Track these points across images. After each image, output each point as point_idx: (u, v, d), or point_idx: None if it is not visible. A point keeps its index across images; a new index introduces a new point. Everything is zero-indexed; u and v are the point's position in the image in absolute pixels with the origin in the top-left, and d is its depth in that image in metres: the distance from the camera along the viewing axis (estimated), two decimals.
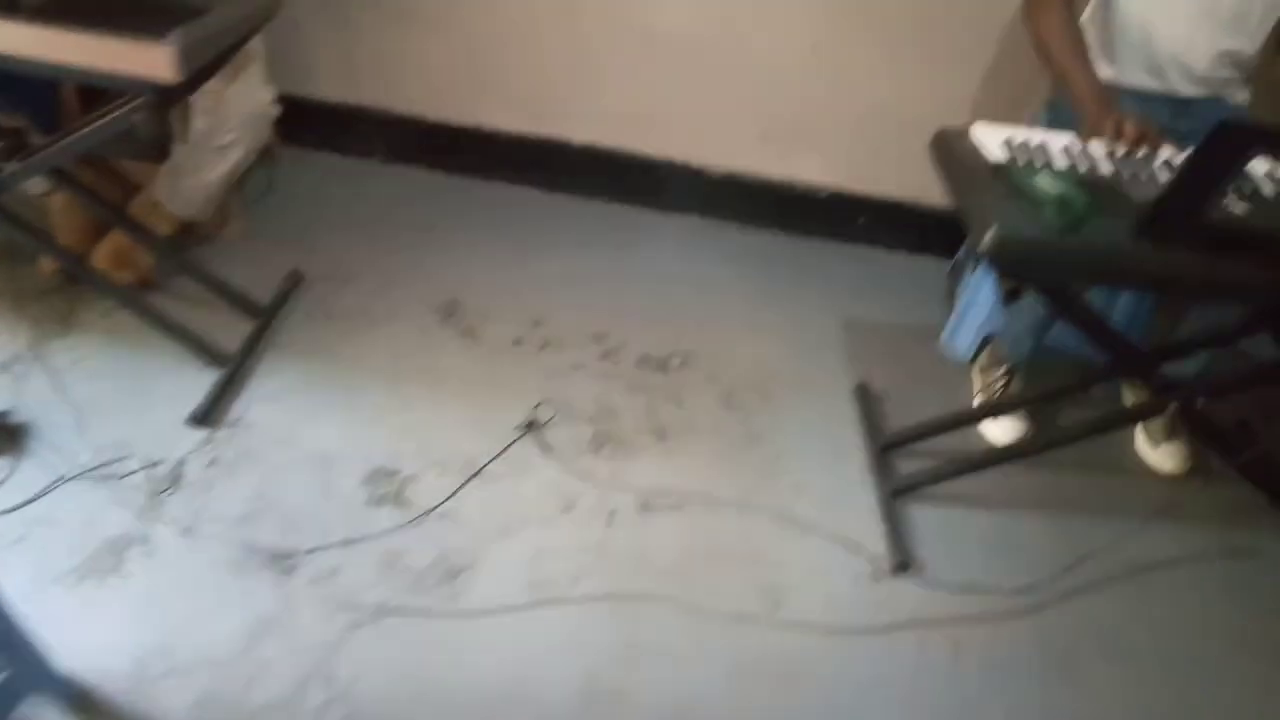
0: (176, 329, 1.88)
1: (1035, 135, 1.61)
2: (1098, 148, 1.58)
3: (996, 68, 2.21)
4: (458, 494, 1.76)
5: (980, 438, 2.07)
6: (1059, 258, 1.38)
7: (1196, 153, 1.23)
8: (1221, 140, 1.20)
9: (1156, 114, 1.86)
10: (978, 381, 2.17)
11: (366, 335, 2.09)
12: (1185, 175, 1.25)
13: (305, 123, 2.52)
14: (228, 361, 1.91)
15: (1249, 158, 1.20)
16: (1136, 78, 1.87)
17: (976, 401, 2.15)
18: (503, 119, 2.50)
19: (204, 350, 1.90)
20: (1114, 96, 1.70)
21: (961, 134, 1.62)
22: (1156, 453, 2.07)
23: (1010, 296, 1.44)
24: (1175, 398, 1.70)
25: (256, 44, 1.91)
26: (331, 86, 2.49)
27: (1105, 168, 1.54)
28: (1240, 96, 1.90)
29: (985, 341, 2.18)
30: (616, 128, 2.48)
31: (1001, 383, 2.11)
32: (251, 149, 2.00)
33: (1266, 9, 1.75)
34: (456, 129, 2.51)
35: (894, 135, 2.37)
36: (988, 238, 1.37)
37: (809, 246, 2.58)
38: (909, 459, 1.99)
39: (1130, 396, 2.17)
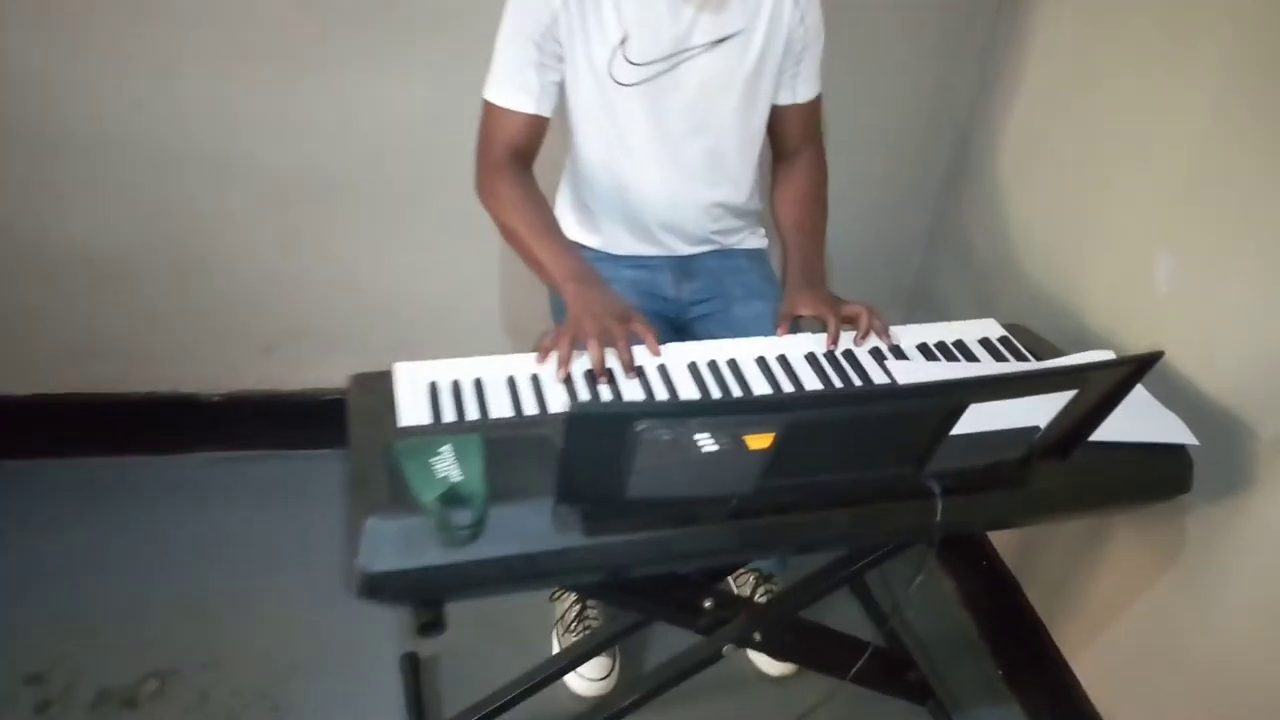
0: None
1: (479, 368, 1.24)
2: (552, 370, 1.23)
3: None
4: None
5: (565, 691, 1.68)
6: (465, 580, 0.99)
7: (563, 451, 0.88)
8: (579, 432, 0.86)
9: (659, 281, 1.58)
10: (554, 614, 1.79)
11: None
12: (564, 468, 0.91)
13: None
14: None
15: (631, 438, 0.87)
16: (626, 245, 1.58)
17: (554, 641, 1.76)
18: None
19: None
20: (594, 272, 1.38)
21: (382, 377, 1.23)
22: (759, 653, 1.76)
23: (428, 629, 1.03)
24: (723, 643, 1.38)
25: None
26: None
27: (557, 403, 1.19)
28: (753, 240, 1.65)
29: None
30: (72, 367, 1.93)
31: (575, 613, 1.74)
32: None
33: (741, 152, 1.51)
34: None
35: (427, 322, 2.00)
36: (354, 575, 0.97)
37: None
38: None
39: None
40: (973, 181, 1.95)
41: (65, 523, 1.88)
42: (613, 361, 1.24)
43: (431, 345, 1.98)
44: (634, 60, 1.37)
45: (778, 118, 1.54)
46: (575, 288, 1.33)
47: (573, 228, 1.61)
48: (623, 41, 1.36)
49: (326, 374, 2.03)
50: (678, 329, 1.63)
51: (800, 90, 1.51)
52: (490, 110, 1.42)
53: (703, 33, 1.37)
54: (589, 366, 1.23)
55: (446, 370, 1.23)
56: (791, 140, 1.57)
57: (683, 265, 1.59)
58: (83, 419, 1.98)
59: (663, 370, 1.27)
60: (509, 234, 1.42)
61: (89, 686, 1.59)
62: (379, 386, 1.20)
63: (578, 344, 1.24)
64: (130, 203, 1.75)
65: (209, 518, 1.94)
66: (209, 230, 1.81)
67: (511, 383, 1.22)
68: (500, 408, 1.17)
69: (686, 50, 1.38)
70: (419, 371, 1.23)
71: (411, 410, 1.15)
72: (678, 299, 1.59)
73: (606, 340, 1.24)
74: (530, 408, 1.17)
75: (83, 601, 1.73)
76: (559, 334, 1.25)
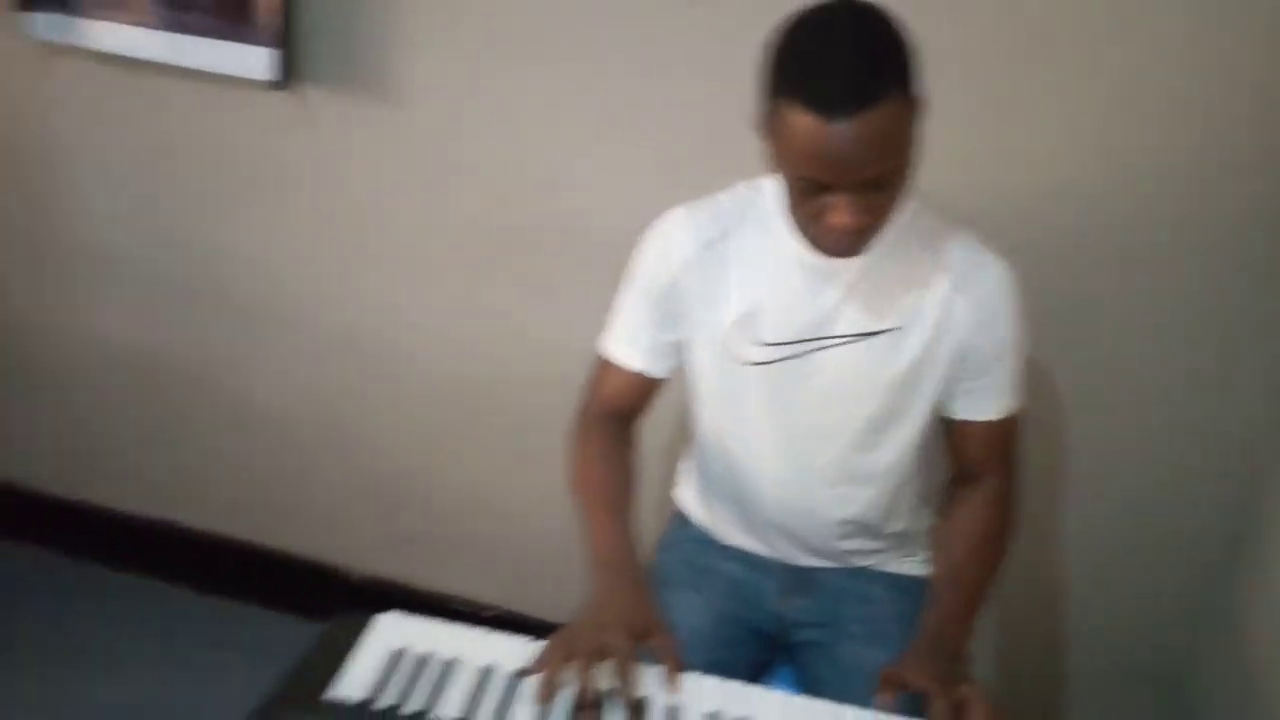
0: None
1: (463, 644, 1.07)
2: (536, 687, 1.01)
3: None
4: None
5: None
6: None
7: None
8: None
9: (763, 587, 1.32)
10: None
11: None
12: None
13: None
14: None
15: None
16: (735, 536, 1.35)
17: None
18: (110, 495, 2.07)
19: None
20: (633, 565, 1.16)
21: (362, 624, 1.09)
22: None
23: None
24: None
25: None
26: None
27: None
28: (902, 565, 1.34)
29: None
30: (239, 516, 2.03)
31: None
32: None
33: (882, 466, 1.23)
34: (64, 503, 2.10)
35: (560, 556, 1.87)
36: None
37: None
38: None
39: None
40: None
41: (189, 661, 1.93)
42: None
43: (556, 579, 1.89)
44: (759, 339, 1.18)
45: (955, 432, 1.25)
46: (600, 578, 1.13)
47: (690, 495, 1.41)
48: (748, 315, 1.18)
49: (456, 582, 1.96)
50: (780, 648, 1.35)
51: (982, 405, 1.21)
52: (601, 361, 1.30)
53: (847, 322, 1.15)
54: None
55: (427, 636, 1.08)
56: (970, 462, 1.26)
57: (797, 576, 1.32)
58: (234, 563, 2.06)
59: (671, 715, 1.01)
60: (571, 487, 1.26)
61: None
62: (352, 635, 1.08)
63: (570, 662, 1.02)
64: (307, 374, 1.85)
65: None
66: (367, 410, 1.85)
67: (485, 676, 1.03)
68: (452, 705, 0.98)
69: (824, 339, 1.16)
70: (400, 630, 1.09)
71: (353, 678, 1.00)
72: (779, 614, 1.31)
73: (609, 658, 1.02)
74: (484, 718, 0.98)
75: None
76: (549, 645, 1.05)
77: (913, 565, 1.34)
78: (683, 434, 1.46)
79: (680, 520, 1.43)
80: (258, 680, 1.81)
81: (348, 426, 1.87)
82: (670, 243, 1.20)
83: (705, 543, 1.37)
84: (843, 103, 0.93)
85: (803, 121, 0.95)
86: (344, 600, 2.02)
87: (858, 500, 1.25)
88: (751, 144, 1.16)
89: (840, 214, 1.00)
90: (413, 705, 0.98)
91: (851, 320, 1.15)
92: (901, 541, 1.33)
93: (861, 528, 1.27)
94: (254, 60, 1.48)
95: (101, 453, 2.03)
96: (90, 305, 1.88)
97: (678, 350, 1.25)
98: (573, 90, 1.51)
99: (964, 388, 1.20)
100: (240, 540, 2.04)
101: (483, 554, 1.92)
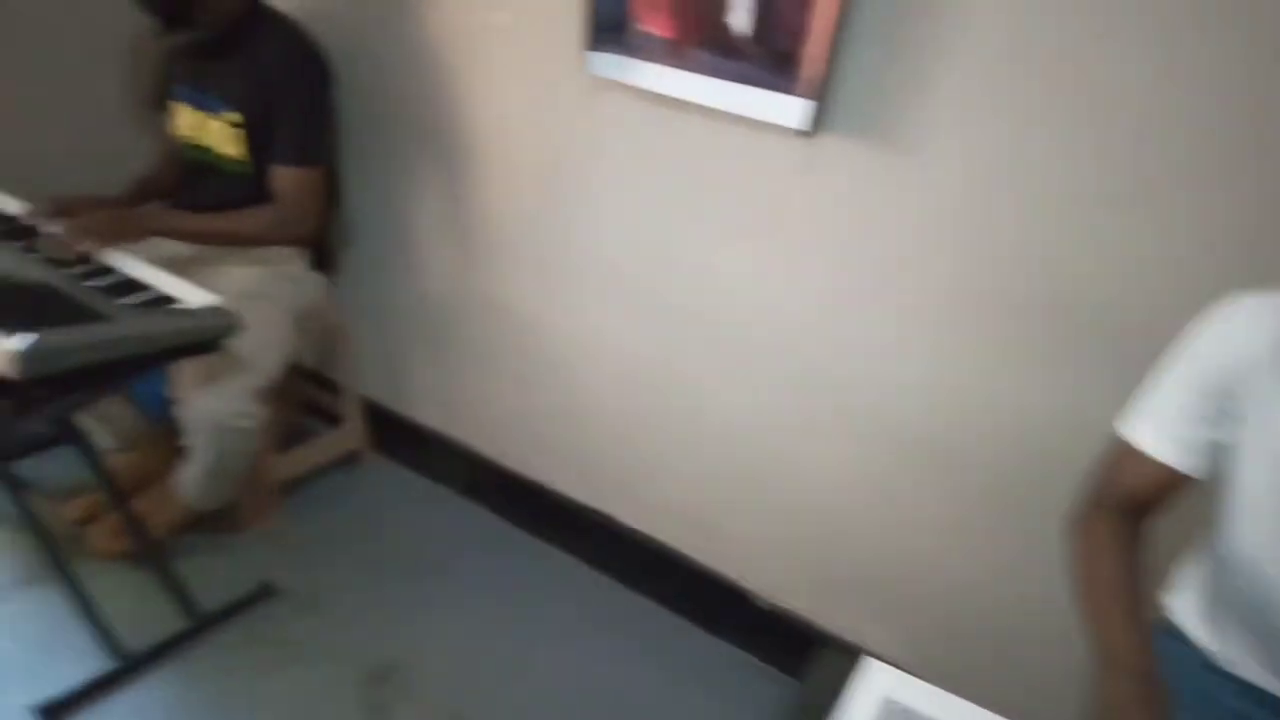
0: (91, 612, 1.83)
1: (953, 713, 1.04)
2: None
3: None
4: None
5: None
6: None
7: None
8: None
9: None
10: None
11: (278, 677, 1.90)
12: None
13: (400, 439, 2.55)
14: (125, 660, 1.83)
15: None
16: (1244, 667, 1.19)
17: None
18: (560, 480, 2.31)
19: (109, 640, 1.83)
20: (1151, 671, 1.06)
21: (848, 659, 1.10)
22: None
23: None
24: None
25: (259, 360, 1.93)
26: (427, 412, 2.51)
27: None
28: None
29: None
30: (668, 523, 2.16)
31: None
32: (230, 454, 1.99)
33: None
34: (522, 481, 2.36)
35: (990, 635, 1.78)
36: None
37: None
38: None
39: None
40: None
41: (604, 650, 2.10)
42: None
43: (994, 664, 1.80)
44: None
45: None
46: (1115, 682, 1.04)
47: (1189, 608, 1.27)
48: None
49: (866, 634, 1.93)
50: None
51: None
52: (1122, 446, 1.21)
53: None
54: None
55: (917, 695, 1.06)
56: None
57: None
58: (653, 565, 2.19)
59: None
60: (1077, 579, 1.18)
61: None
62: (840, 668, 1.09)
63: None
64: (764, 406, 1.91)
65: (709, 707, 1.97)
66: (820, 453, 1.88)
67: None
68: None
69: None
70: (887, 679, 1.08)
71: (851, 715, 1.02)
72: None
73: None
74: None
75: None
76: None
77: None
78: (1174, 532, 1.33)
79: (1170, 632, 1.30)
80: (659, 681, 1.96)
81: (794, 465, 1.92)
82: (1237, 332, 1.09)
83: (1204, 666, 1.22)
84: None
85: None
86: (749, 625, 2.08)
87: None
88: None
89: None
90: None
91: None
92: None
93: None
94: (791, 110, 1.56)
95: (565, 442, 2.26)
96: (583, 307, 2.08)
97: (1218, 451, 1.14)
98: (1094, 157, 1.42)
99: None
100: (664, 545, 2.18)
101: (905, 616, 1.88)
